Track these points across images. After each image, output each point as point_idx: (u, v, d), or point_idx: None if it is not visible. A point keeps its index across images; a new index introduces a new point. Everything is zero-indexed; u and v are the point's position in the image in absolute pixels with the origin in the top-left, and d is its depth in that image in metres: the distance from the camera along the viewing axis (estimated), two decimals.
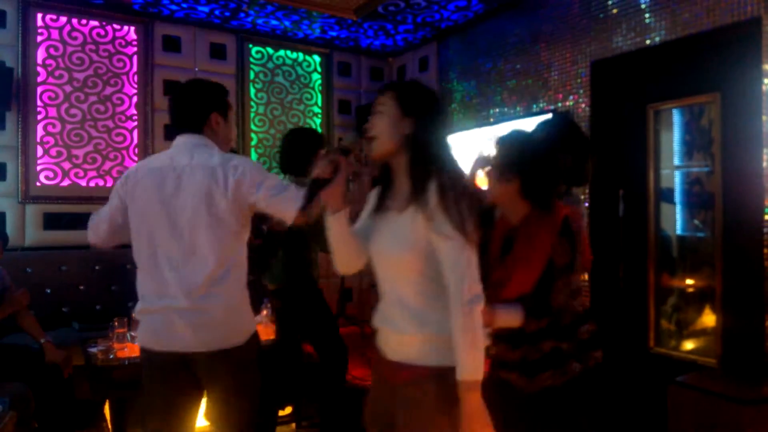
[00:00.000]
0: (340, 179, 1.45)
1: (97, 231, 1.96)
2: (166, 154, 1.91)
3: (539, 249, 1.61)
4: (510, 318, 1.59)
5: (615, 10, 3.15)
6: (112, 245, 2.00)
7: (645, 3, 3.00)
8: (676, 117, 3.11)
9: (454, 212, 1.37)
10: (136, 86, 4.14)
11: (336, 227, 1.50)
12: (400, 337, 1.47)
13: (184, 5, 3.99)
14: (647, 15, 2.98)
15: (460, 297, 1.36)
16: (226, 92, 2.01)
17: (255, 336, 1.96)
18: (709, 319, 2.91)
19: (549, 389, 1.69)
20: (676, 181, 3.11)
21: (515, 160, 1.65)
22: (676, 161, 3.10)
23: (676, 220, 3.12)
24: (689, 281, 3.04)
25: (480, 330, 1.37)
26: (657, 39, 2.93)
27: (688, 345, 3.03)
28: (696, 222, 3.04)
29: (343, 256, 1.56)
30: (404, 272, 1.46)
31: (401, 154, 1.48)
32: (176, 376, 1.84)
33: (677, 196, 3.11)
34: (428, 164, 1.44)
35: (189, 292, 1.78)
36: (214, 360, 1.81)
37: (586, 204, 3.30)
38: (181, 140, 1.91)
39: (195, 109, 1.92)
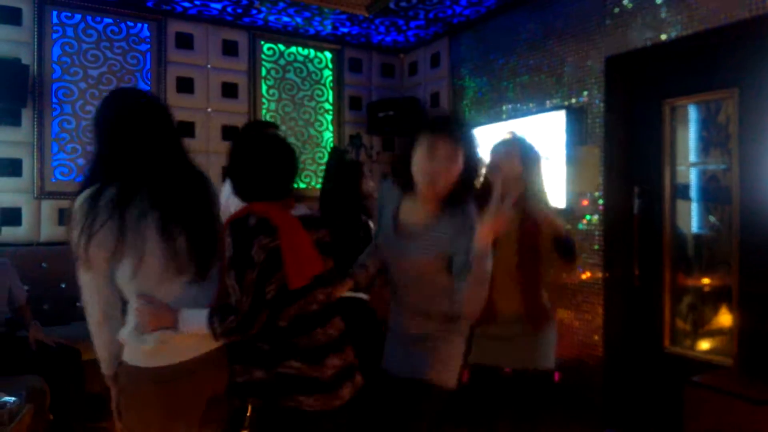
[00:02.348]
0: None
1: None
2: None
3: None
4: (194, 322, 1.45)
5: (630, 5, 3.11)
6: None
7: None
8: (693, 113, 3.06)
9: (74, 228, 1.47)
10: (149, 83, 4.16)
11: None
12: None
13: (197, 2, 4.00)
14: (663, 10, 2.94)
15: None
16: None
17: None
18: (725, 318, 2.87)
19: None
20: (692, 178, 3.06)
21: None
22: (693, 158, 3.06)
23: (692, 218, 3.08)
24: (705, 280, 3.00)
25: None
26: (673, 34, 2.89)
27: (704, 345, 2.99)
28: (712, 219, 2.99)
29: None
30: None
31: None
32: None
33: (693, 194, 3.06)
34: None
35: None
36: None
37: (601, 201, 3.27)
38: None
39: None
